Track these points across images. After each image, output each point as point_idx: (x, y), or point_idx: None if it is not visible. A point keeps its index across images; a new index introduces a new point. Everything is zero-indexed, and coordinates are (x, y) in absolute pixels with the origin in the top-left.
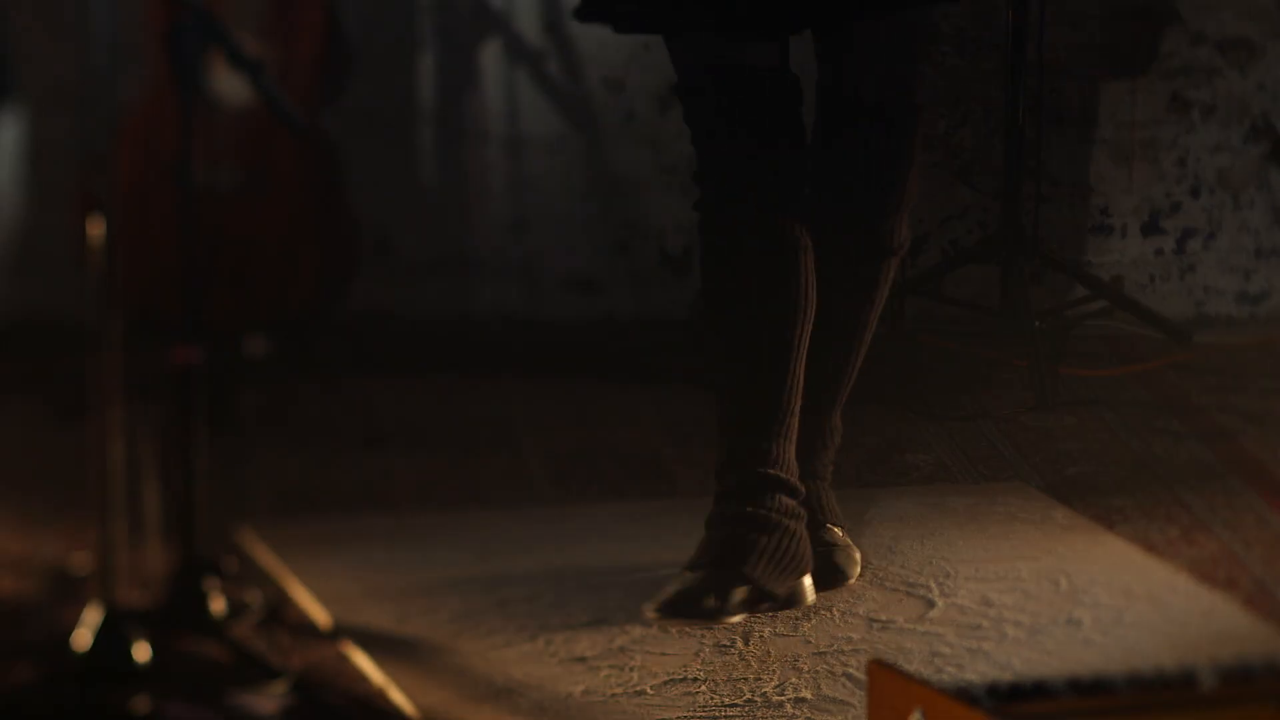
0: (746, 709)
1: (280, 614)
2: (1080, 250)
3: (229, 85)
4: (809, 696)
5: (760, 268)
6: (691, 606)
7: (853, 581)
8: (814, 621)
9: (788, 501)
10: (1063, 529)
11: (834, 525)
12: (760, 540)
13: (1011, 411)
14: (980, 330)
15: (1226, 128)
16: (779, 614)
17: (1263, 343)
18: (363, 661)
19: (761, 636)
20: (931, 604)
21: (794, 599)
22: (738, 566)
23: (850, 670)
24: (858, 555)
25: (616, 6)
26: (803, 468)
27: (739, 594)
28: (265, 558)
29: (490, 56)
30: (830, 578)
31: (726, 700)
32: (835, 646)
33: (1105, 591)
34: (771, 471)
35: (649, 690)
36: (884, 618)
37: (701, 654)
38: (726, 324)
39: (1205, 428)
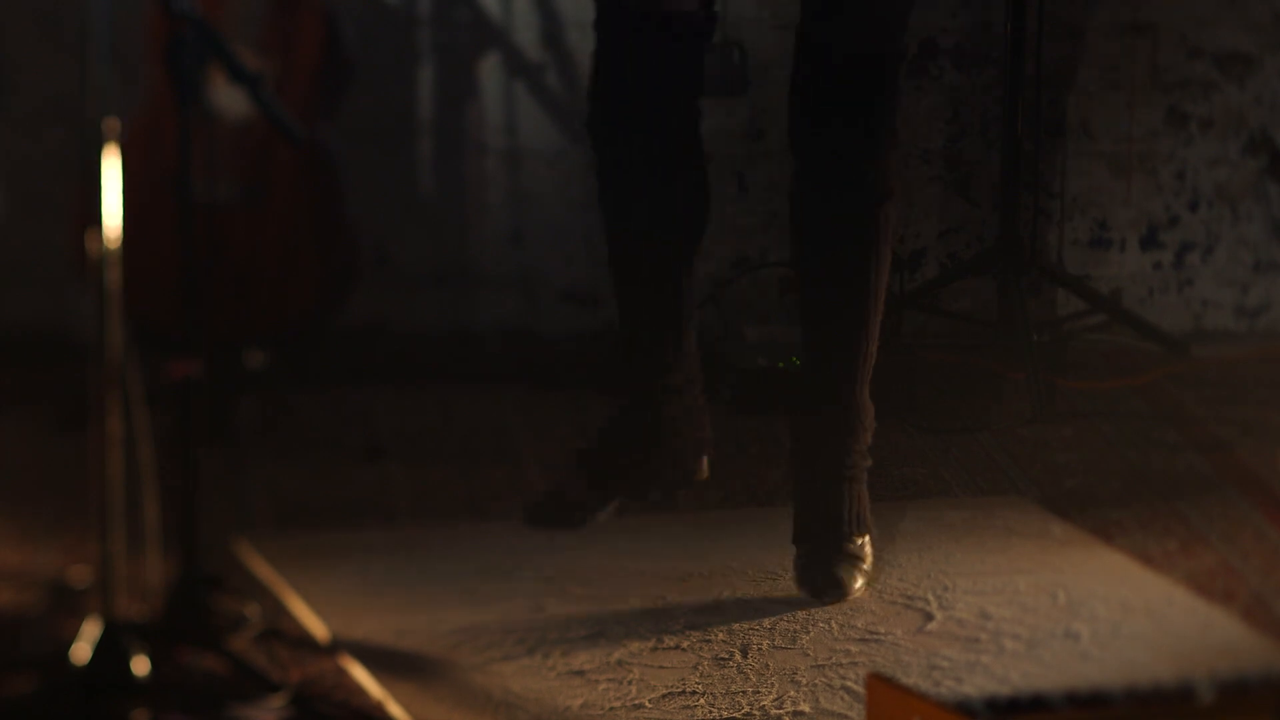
0: None
1: (279, 627)
2: (1078, 263)
3: (228, 98)
4: (807, 710)
5: (648, 189)
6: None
7: (851, 597)
8: (812, 634)
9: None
10: (1060, 542)
11: (856, 535)
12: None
13: (1009, 424)
14: (978, 343)
15: (1224, 141)
16: (777, 627)
17: (1260, 355)
18: (361, 675)
19: (760, 650)
20: (930, 617)
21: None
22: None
23: (849, 683)
24: (863, 569)
25: None
26: (829, 467)
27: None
28: (264, 570)
29: (489, 69)
30: (827, 589)
31: (725, 714)
32: (834, 659)
33: (1103, 604)
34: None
35: (647, 704)
36: (882, 631)
37: (700, 667)
38: (618, 240)
39: (1203, 440)
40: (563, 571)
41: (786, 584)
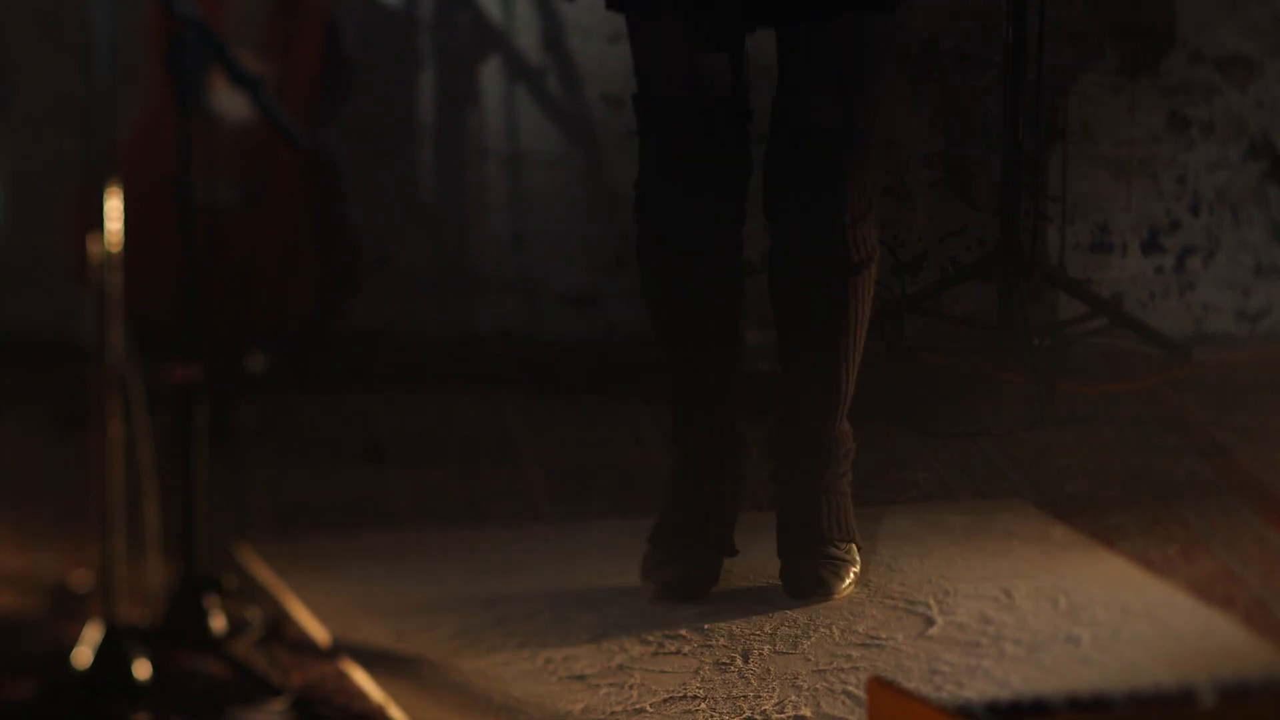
0: None
1: (280, 631)
2: (1079, 267)
3: (229, 102)
4: (809, 714)
5: (691, 279)
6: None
7: (837, 597)
8: (813, 639)
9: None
10: (1061, 546)
11: (839, 540)
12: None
13: (1010, 428)
14: (979, 347)
15: (1226, 145)
16: (778, 631)
17: (1261, 359)
18: (362, 679)
19: (761, 654)
20: (931, 621)
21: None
22: (724, 548)
23: (850, 688)
24: (849, 570)
25: None
26: (807, 486)
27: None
28: (265, 574)
29: (490, 74)
30: (812, 589)
31: (726, 718)
32: (835, 664)
33: (1104, 609)
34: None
35: (648, 708)
36: (883, 635)
37: (701, 671)
38: (665, 326)
39: (1204, 445)
40: (564, 575)
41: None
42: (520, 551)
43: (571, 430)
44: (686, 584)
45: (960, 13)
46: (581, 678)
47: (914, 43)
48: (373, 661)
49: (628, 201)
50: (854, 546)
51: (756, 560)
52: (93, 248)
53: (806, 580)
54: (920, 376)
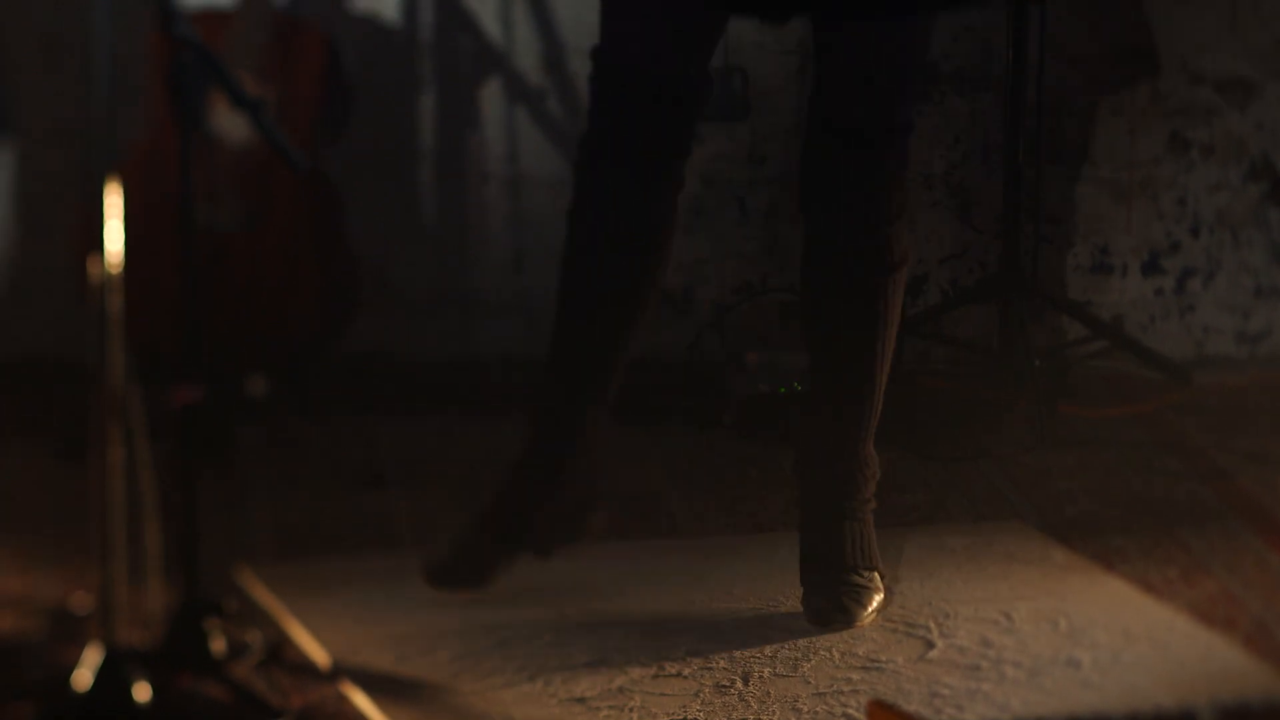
0: None
1: (280, 654)
2: (1080, 290)
3: (229, 124)
4: None
5: (613, 246)
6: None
7: (859, 625)
8: (813, 662)
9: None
10: (1062, 569)
11: (863, 569)
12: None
13: (1011, 451)
14: (979, 370)
15: (1226, 167)
16: (778, 654)
17: (1262, 382)
18: (362, 702)
19: (761, 677)
20: (931, 644)
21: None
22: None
23: (850, 711)
24: (872, 598)
25: None
26: (833, 510)
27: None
28: (265, 597)
29: (490, 96)
30: (834, 617)
31: None
32: (835, 687)
33: (1104, 632)
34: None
35: None
36: (883, 658)
37: (701, 694)
38: (580, 252)
39: (1204, 468)
40: (563, 598)
41: (788, 611)
42: (519, 574)
43: None
44: (449, 571)
45: (961, 35)
46: (582, 700)
47: None
48: (373, 685)
49: None
50: (877, 574)
51: (756, 581)
52: (93, 269)
53: (829, 608)
54: (921, 399)
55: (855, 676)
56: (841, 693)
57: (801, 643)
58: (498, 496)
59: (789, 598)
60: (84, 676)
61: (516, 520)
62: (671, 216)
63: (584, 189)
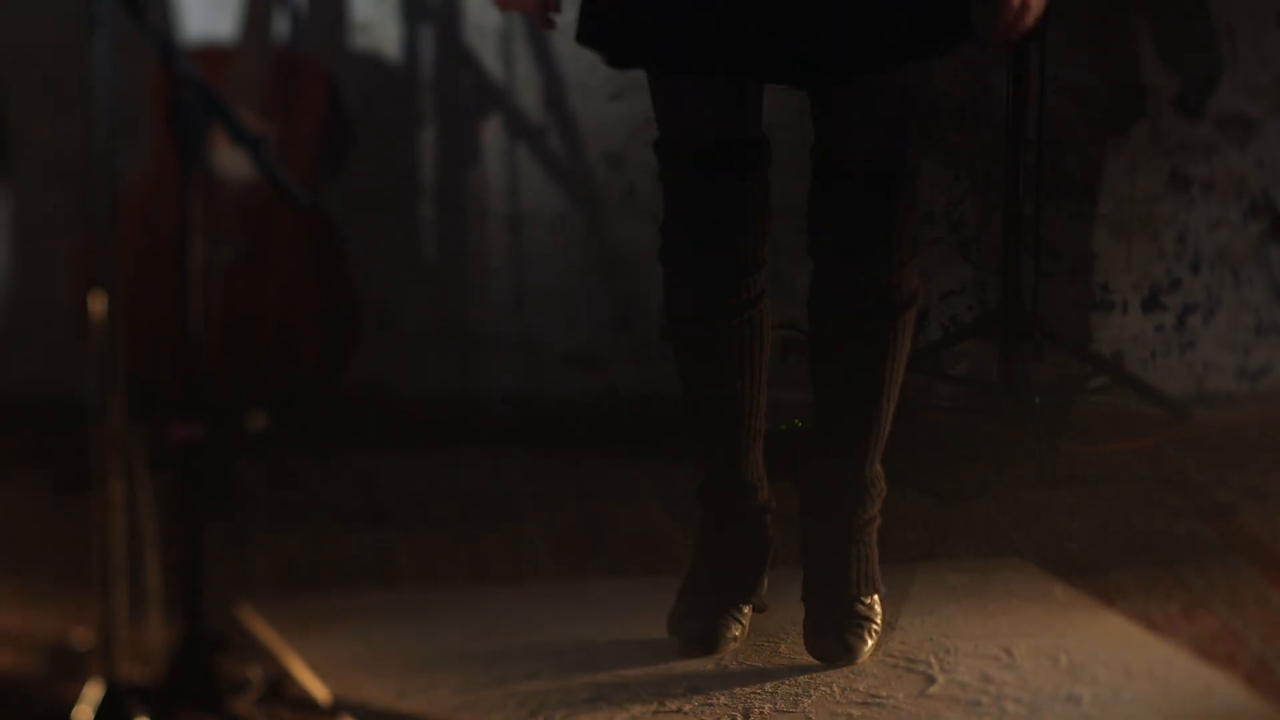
0: None
1: (281, 690)
2: (1080, 326)
3: (230, 161)
4: None
5: (716, 324)
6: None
7: (861, 660)
8: (814, 698)
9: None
10: (1062, 605)
11: (864, 595)
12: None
13: (1011, 487)
14: (980, 406)
15: (1226, 204)
16: (779, 690)
17: (1263, 419)
18: None
19: (762, 712)
20: (931, 680)
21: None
22: (748, 592)
23: None
24: (873, 630)
25: (610, 39)
26: (837, 530)
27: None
28: (266, 633)
29: (491, 133)
30: (838, 655)
31: None
32: None
33: (1105, 668)
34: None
35: None
36: (884, 694)
37: None
38: (690, 376)
39: (1205, 504)
40: (563, 635)
41: (789, 647)
42: (521, 611)
43: (573, 490)
44: (709, 637)
45: (961, 71)
46: None
47: None
48: None
49: (629, 261)
50: (876, 598)
51: (757, 618)
52: (93, 306)
53: (833, 644)
54: (921, 435)
55: (856, 713)
56: None
57: (802, 679)
58: (714, 561)
59: (789, 633)
60: (85, 712)
61: (742, 581)
62: (762, 275)
63: (679, 274)
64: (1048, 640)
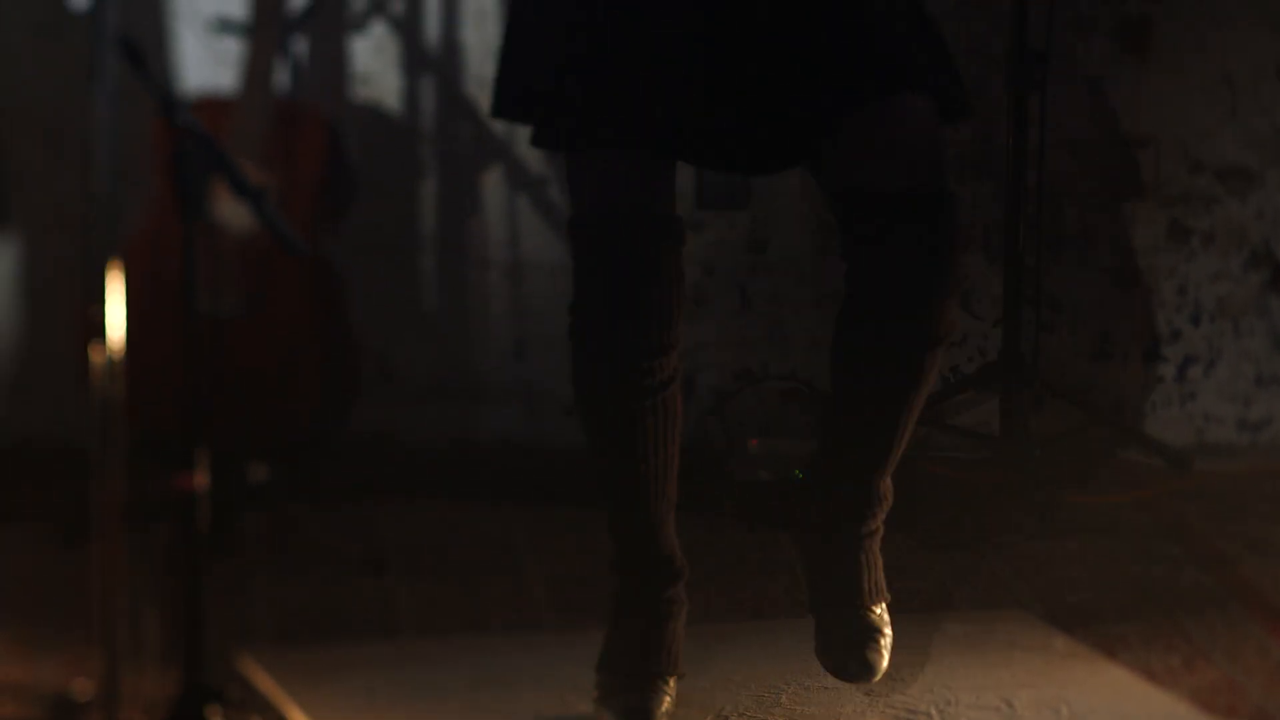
0: None
1: None
2: (1080, 377)
3: (231, 211)
4: None
5: (626, 407)
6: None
7: (878, 678)
8: None
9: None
10: (1063, 656)
11: (874, 604)
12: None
13: (1012, 538)
14: (981, 457)
15: (1226, 256)
16: None
17: (1263, 470)
18: None
19: None
20: None
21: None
22: (672, 662)
23: None
24: (886, 642)
25: (534, 114)
26: (844, 539)
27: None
28: (266, 684)
29: (492, 183)
30: (859, 673)
31: None
32: None
33: (1106, 719)
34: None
35: None
36: None
37: None
38: (600, 456)
39: (1206, 555)
40: (563, 684)
41: (789, 698)
42: (522, 662)
43: (573, 540)
44: (644, 711)
45: (962, 122)
46: None
47: None
48: None
49: None
50: (884, 605)
51: (757, 667)
52: (94, 356)
53: (852, 665)
54: (922, 486)
55: None
56: None
57: None
58: (634, 632)
59: (789, 684)
60: None
61: (666, 651)
62: (674, 378)
63: (592, 352)
64: (1049, 691)
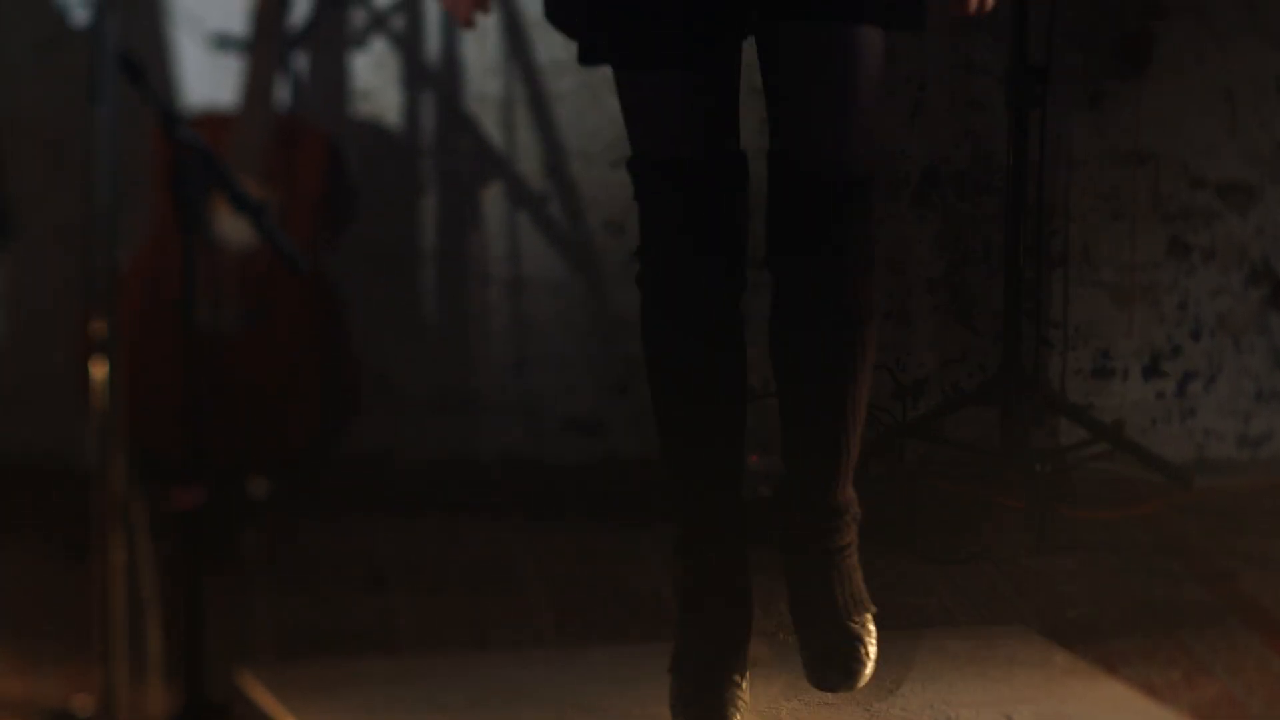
0: None
1: None
2: (1080, 393)
3: (231, 227)
4: None
5: (701, 356)
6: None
7: (860, 685)
8: None
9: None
10: (1064, 672)
11: (855, 615)
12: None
13: (1012, 554)
14: (981, 473)
15: (1227, 272)
16: None
17: (1263, 486)
18: None
19: None
20: None
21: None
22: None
23: None
24: (868, 651)
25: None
26: (815, 558)
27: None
28: (267, 700)
29: (492, 199)
30: (839, 683)
31: None
32: None
33: None
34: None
35: None
36: None
37: None
38: (672, 408)
39: (1206, 571)
40: (564, 699)
41: (789, 714)
42: (523, 678)
43: (573, 555)
44: (723, 715)
45: (961, 139)
46: None
47: (915, 168)
48: None
49: (630, 327)
50: (868, 615)
51: (760, 685)
52: (95, 372)
53: (832, 676)
54: (922, 502)
55: None
56: None
57: None
58: (704, 626)
59: (790, 699)
60: None
61: (737, 646)
62: (742, 299)
63: (653, 298)
64: (1049, 707)
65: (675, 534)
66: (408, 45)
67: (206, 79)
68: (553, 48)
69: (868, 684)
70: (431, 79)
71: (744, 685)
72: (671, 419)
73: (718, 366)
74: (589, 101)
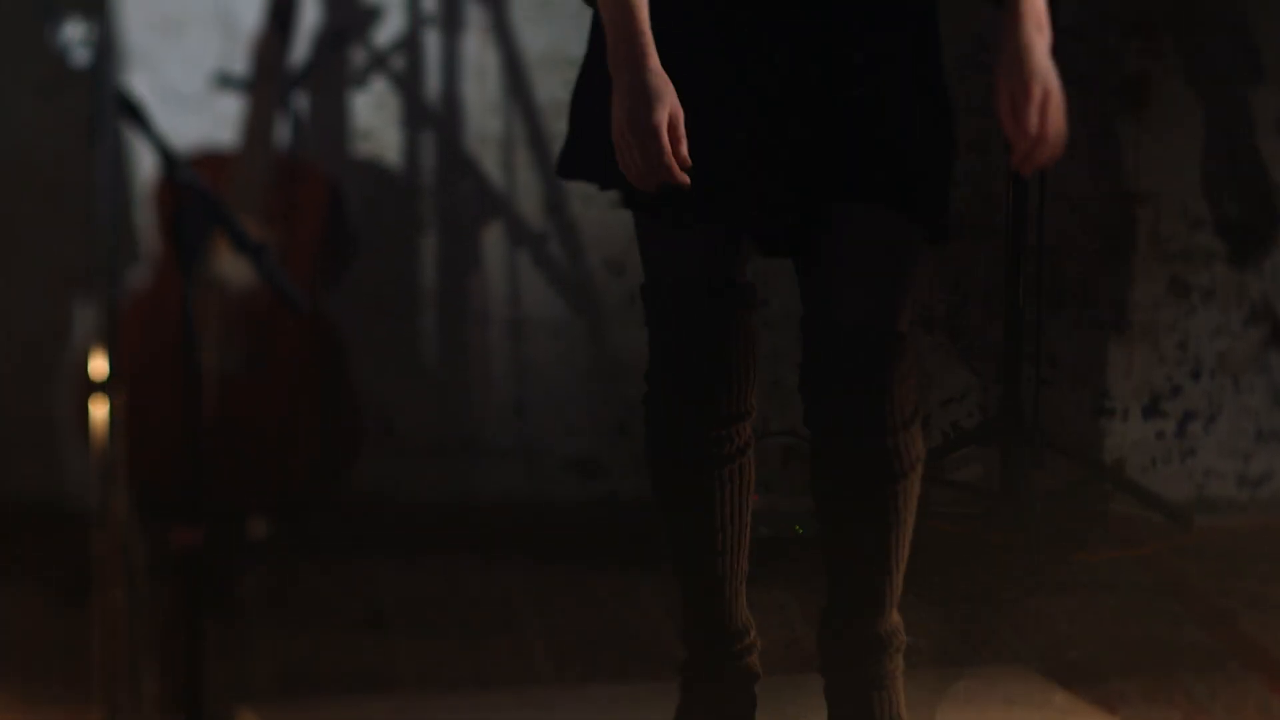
0: None
1: None
2: (1081, 433)
3: (232, 268)
4: None
5: (703, 476)
6: None
7: None
8: None
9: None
10: (1063, 713)
11: None
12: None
13: (1012, 594)
14: (981, 513)
15: (1226, 311)
16: None
17: (1263, 526)
18: None
19: None
20: None
21: None
22: None
23: None
24: None
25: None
26: (859, 680)
27: None
28: None
29: (492, 239)
30: None
31: None
32: None
33: None
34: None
35: None
36: None
37: None
38: (675, 526)
39: (1206, 611)
40: None
41: None
42: (523, 717)
43: (573, 596)
44: None
45: (961, 179)
46: None
47: None
48: None
49: (630, 368)
50: None
51: None
52: (95, 412)
53: None
54: (921, 542)
55: None
56: None
57: None
58: (706, 709)
59: None
60: None
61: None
62: (748, 445)
63: (659, 425)
64: None
65: (685, 620)
66: (408, 85)
67: (206, 118)
68: (552, 88)
69: None
70: (432, 119)
71: None
72: (678, 542)
73: (721, 493)
74: None
